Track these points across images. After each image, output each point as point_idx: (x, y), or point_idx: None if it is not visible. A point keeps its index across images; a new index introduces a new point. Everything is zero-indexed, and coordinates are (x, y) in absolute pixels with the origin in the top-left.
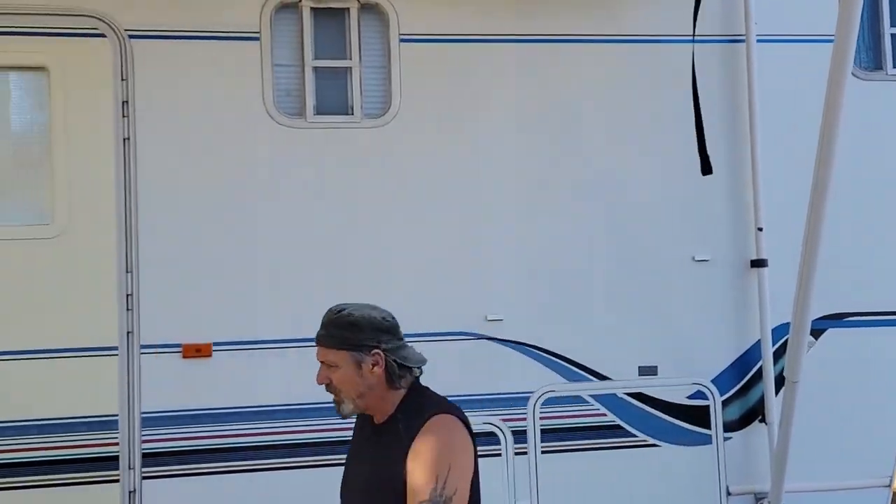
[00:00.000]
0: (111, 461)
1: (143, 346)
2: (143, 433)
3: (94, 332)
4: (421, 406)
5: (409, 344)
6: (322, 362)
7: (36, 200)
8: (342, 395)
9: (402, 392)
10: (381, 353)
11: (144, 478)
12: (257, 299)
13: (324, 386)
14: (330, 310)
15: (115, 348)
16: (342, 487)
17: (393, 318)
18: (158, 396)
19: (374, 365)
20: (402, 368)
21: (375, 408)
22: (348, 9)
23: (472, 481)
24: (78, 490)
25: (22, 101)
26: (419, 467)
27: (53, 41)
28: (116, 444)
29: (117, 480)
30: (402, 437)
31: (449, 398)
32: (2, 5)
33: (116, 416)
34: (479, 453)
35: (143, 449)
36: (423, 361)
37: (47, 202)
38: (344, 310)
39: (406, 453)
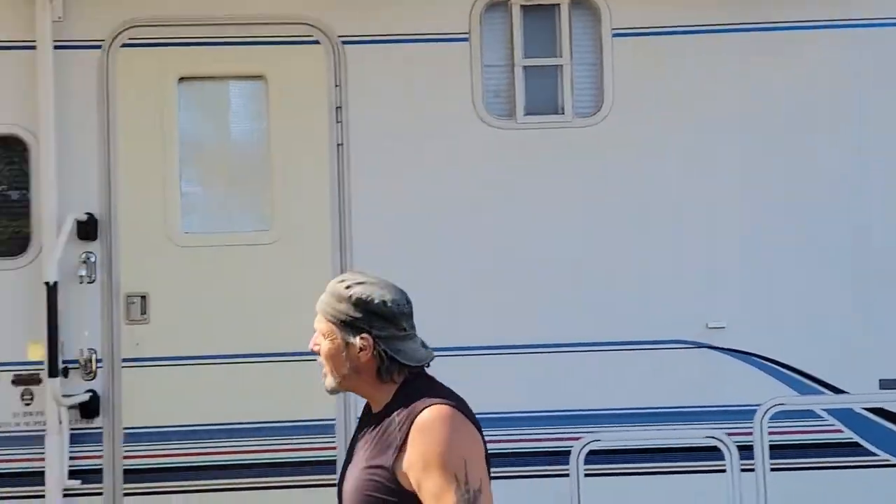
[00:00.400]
0: (329, 465)
1: None
2: None
3: (311, 336)
4: (418, 397)
5: (416, 336)
6: (316, 328)
7: (256, 207)
8: (327, 369)
9: (395, 387)
10: (370, 340)
11: None
12: (469, 304)
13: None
14: (336, 278)
15: None
16: (339, 478)
17: (399, 304)
18: None
19: (360, 350)
20: (393, 363)
21: (365, 394)
22: (558, 5)
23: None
24: (298, 493)
25: (241, 109)
26: (431, 473)
27: (270, 50)
28: (334, 447)
29: (335, 484)
30: (396, 430)
31: (668, 409)
32: (220, 16)
33: (333, 419)
34: (688, 468)
35: None
36: (424, 360)
37: (266, 208)
38: (344, 281)
39: (398, 449)
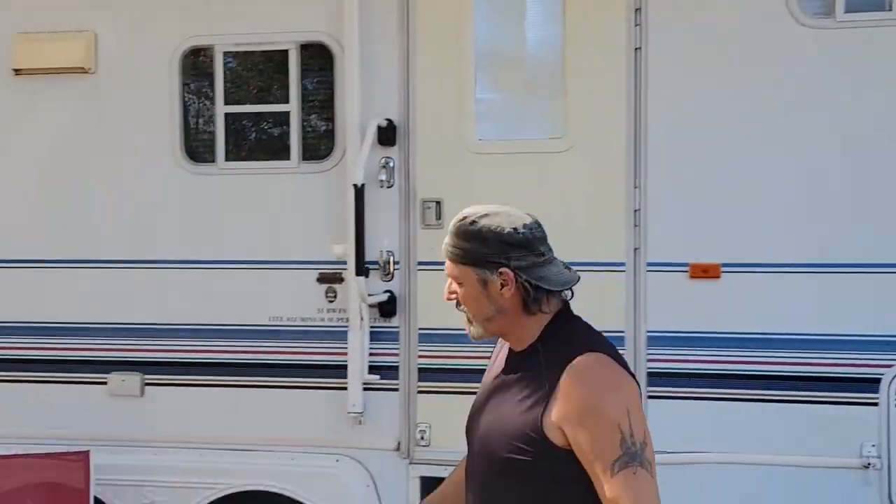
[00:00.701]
0: None
1: (649, 264)
2: (648, 352)
3: (602, 247)
4: (565, 341)
5: (556, 260)
6: (448, 276)
7: (550, 114)
8: (469, 315)
9: (545, 318)
10: (511, 273)
11: (650, 397)
12: (770, 219)
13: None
14: (457, 216)
15: (622, 264)
16: (469, 416)
17: (531, 228)
18: (664, 316)
19: (502, 286)
20: (539, 291)
21: (510, 334)
22: None
23: None
24: None
25: (537, 13)
26: (591, 424)
27: None
28: None
29: None
30: (543, 375)
31: None
32: None
33: (622, 332)
34: None
35: (648, 368)
36: (571, 282)
37: (560, 115)
38: (467, 217)
39: (546, 398)
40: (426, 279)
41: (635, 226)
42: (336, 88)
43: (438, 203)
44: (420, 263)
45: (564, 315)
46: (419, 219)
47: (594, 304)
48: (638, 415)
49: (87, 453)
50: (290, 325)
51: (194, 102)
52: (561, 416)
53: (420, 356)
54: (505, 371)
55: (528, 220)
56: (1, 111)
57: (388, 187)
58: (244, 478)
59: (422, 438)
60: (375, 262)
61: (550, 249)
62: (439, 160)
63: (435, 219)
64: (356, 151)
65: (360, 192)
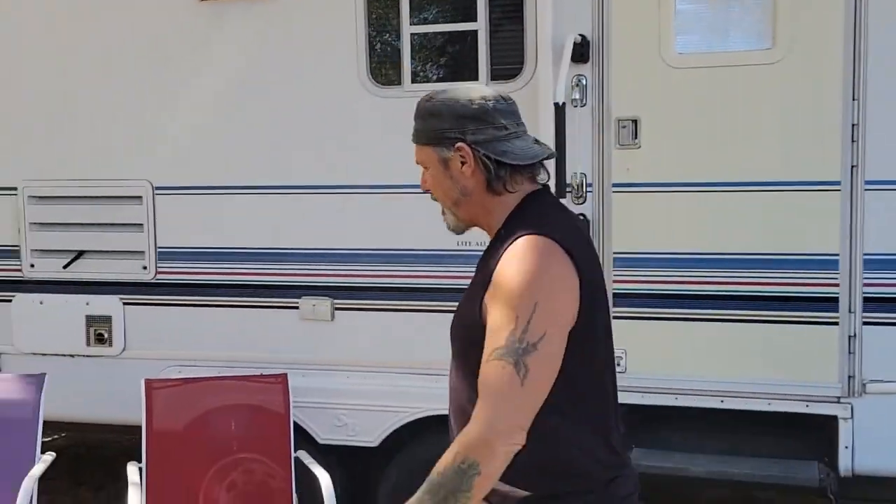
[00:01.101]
0: (829, 302)
1: (867, 182)
2: (865, 276)
3: (815, 164)
4: (526, 223)
5: (526, 135)
6: (417, 164)
7: (758, 23)
8: (440, 202)
9: (513, 200)
10: (467, 147)
11: (865, 323)
12: None
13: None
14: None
15: (837, 183)
16: None
17: (488, 99)
18: (883, 238)
19: (462, 163)
20: (501, 167)
21: (481, 220)
22: None
23: (584, 327)
24: (793, 328)
25: None
26: (496, 305)
27: None
28: (836, 284)
29: (836, 323)
30: (495, 261)
31: None
32: None
33: (836, 255)
34: None
35: (865, 293)
36: (539, 156)
37: (769, 24)
38: (427, 95)
39: (488, 282)
40: (622, 201)
41: (853, 141)
42: (525, 5)
43: (635, 122)
44: (615, 185)
45: (537, 196)
46: (614, 139)
47: (806, 225)
48: (547, 314)
49: (284, 376)
50: (478, 250)
51: (380, 23)
52: (486, 295)
53: (615, 281)
54: (479, 261)
55: (489, 93)
56: (187, 37)
57: (581, 106)
58: (435, 402)
59: (617, 364)
60: (568, 185)
61: (519, 125)
62: (636, 76)
63: (631, 138)
64: (548, 69)
65: (560, 110)
